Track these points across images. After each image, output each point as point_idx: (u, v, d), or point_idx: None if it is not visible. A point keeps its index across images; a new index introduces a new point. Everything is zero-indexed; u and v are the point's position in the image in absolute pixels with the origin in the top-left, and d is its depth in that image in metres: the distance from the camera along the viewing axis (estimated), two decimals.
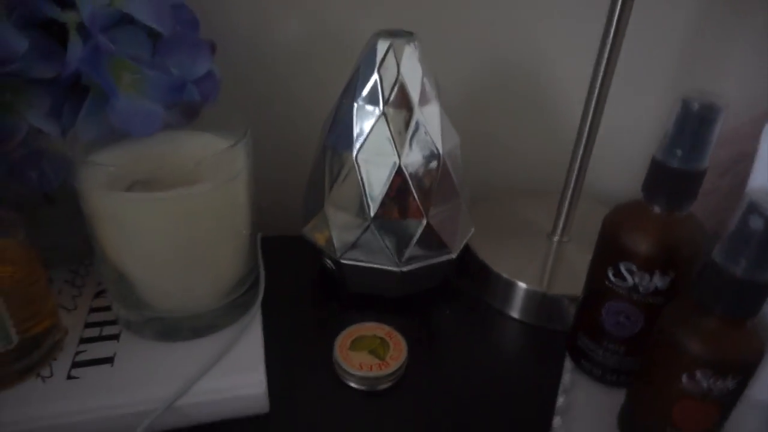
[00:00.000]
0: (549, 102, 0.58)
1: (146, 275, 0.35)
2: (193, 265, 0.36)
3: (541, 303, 0.44)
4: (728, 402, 0.27)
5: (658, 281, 0.31)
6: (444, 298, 0.47)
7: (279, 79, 0.53)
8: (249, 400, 0.35)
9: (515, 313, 0.45)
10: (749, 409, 0.32)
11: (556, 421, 0.33)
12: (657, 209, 0.31)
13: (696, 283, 0.27)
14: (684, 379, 0.27)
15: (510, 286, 0.45)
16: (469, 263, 0.48)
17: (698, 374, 0.27)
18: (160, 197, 0.32)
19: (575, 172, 0.46)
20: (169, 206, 0.33)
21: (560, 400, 0.35)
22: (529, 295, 0.44)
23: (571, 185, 0.46)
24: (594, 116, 0.43)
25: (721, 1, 0.55)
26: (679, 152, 0.29)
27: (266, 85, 0.53)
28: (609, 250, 0.33)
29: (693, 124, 0.28)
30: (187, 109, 0.39)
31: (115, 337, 0.37)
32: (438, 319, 0.45)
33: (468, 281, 0.48)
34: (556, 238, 0.49)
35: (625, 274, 0.32)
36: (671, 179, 0.30)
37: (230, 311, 0.39)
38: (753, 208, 0.24)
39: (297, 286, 0.48)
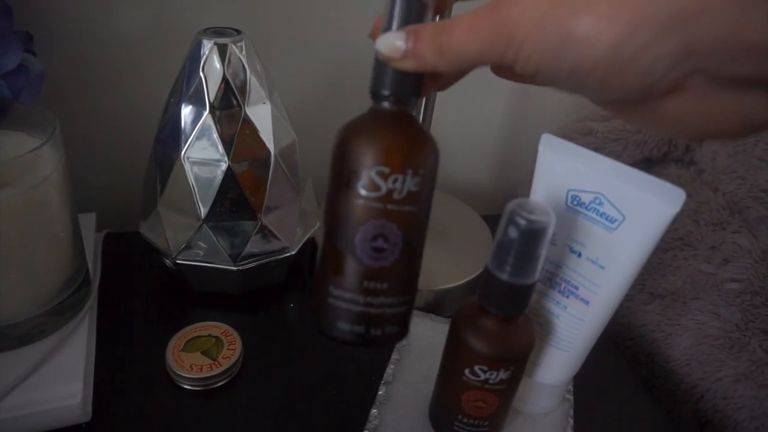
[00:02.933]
0: None
1: None
2: (4, 272, 0.34)
3: None
4: (505, 390, 0.30)
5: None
6: (291, 293, 0.48)
7: (113, 72, 0.51)
8: (65, 411, 0.34)
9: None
10: (538, 390, 0.36)
11: (372, 412, 0.35)
12: (386, 105, 0.25)
13: (479, 288, 0.29)
14: (466, 372, 0.30)
15: None
16: (316, 259, 0.49)
17: (476, 368, 0.29)
18: None
19: None
20: None
21: (380, 392, 0.37)
22: None
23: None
24: (426, 108, 0.45)
25: None
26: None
27: (100, 78, 0.51)
28: (347, 166, 0.24)
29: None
30: None
31: None
32: (281, 315, 0.46)
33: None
34: None
35: (378, 181, 0.28)
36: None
37: (56, 316, 0.38)
38: (511, 219, 0.26)
39: (141, 285, 0.47)
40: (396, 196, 0.22)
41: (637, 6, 0.18)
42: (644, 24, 0.17)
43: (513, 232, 0.26)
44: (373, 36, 0.24)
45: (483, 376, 0.29)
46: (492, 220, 0.48)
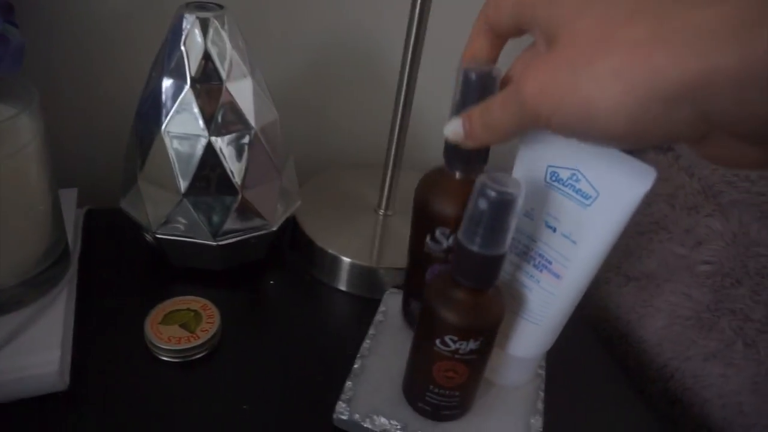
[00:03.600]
0: (371, 75, 0.60)
1: None
2: None
3: (365, 275, 0.47)
4: (475, 360, 0.31)
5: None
6: (271, 269, 0.48)
7: (96, 46, 0.51)
8: (43, 379, 0.34)
9: (341, 285, 0.48)
10: (510, 362, 0.36)
11: (347, 384, 0.36)
12: (458, 174, 0.34)
13: (450, 259, 0.30)
14: (437, 342, 0.30)
15: (335, 261, 0.47)
16: (298, 237, 0.49)
17: (447, 338, 0.30)
18: None
19: (394, 145, 0.48)
20: None
21: (356, 365, 0.37)
22: (353, 268, 0.47)
23: (391, 159, 0.49)
24: (408, 87, 0.45)
25: None
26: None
27: (83, 51, 0.50)
28: (423, 218, 0.36)
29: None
30: None
31: None
32: (261, 291, 0.46)
33: (297, 254, 0.50)
34: (381, 212, 0.52)
35: (440, 238, 0.34)
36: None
37: (34, 287, 0.38)
38: (481, 192, 0.26)
39: (122, 260, 0.47)
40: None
41: (645, 86, 0.19)
42: (653, 99, 0.19)
43: (483, 204, 0.26)
44: (464, 58, 0.30)
45: (453, 346, 0.30)
46: None
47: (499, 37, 0.29)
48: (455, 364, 0.31)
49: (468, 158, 0.33)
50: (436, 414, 0.34)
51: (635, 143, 0.22)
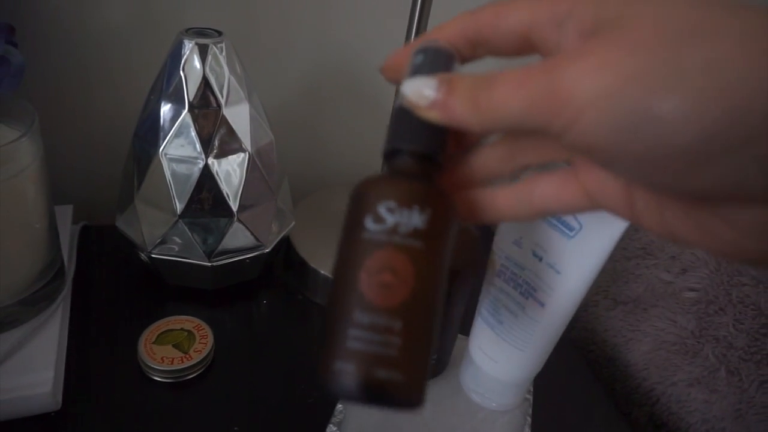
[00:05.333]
0: (364, 97, 0.61)
1: None
2: None
3: None
4: (423, 251, 0.21)
5: (417, 219, 0.32)
6: (264, 290, 0.49)
7: (94, 67, 0.51)
8: (36, 399, 0.35)
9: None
10: (497, 386, 0.37)
11: (338, 407, 0.36)
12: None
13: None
14: (367, 222, 0.21)
15: (328, 281, 0.48)
16: (291, 257, 0.50)
17: (381, 209, 0.21)
18: None
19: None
20: None
21: None
22: None
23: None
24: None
25: None
26: None
27: (81, 72, 0.51)
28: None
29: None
30: None
31: None
32: (254, 311, 0.47)
33: (291, 274, 0.51)
34: None
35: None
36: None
37: (29, 306, 0.38)
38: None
39: (116, 278, 0.47)
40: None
41: (743, 91, 0.14)
42: (747, 114, 0.14)
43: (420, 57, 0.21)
44: (386, 71, 0.22)
45: (390, 221, 0.20)
46: None
47: (475, 50, 0.21)
48: (393, 255, 0.20)
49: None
50: (363, 378, 0.19)
51: (681, 172, 0.16)
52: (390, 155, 0.22)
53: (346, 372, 0.19)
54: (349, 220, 0.21)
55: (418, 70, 0.21)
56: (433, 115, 0.20)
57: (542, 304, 0.33)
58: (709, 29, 0.15)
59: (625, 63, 0.15)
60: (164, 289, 0.46)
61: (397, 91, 0.21)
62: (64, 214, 0.48)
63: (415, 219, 0.20)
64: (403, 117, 0.21)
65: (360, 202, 0.21)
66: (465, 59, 0.22)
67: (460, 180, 0.23)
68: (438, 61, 0.21)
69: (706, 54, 0.14)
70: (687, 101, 0.14)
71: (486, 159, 0.23)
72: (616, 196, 0.20)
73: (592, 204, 0.21)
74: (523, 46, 0.20)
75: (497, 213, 0.23)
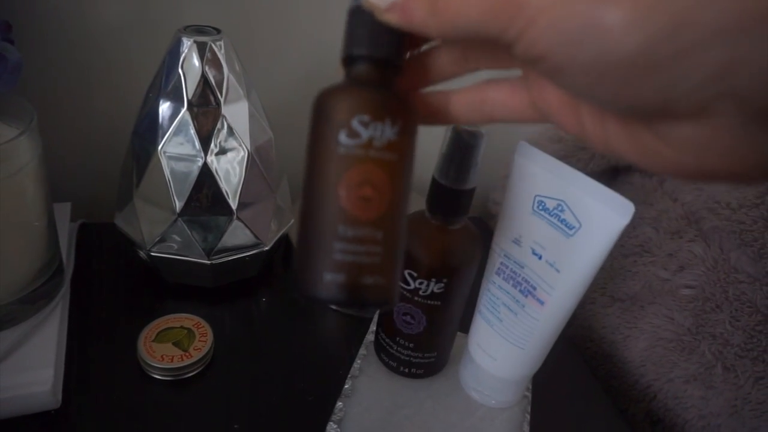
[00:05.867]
0: None
1: None
2: None
3: None
4: (396, 162, 0.21)
5: (434, 287, 0.35)
6: (263, 287, 0.49)
7: (92, 64, 0.51)
8: (35, 397, 0.35)
9: (332, 304, 0.48)
10: (496, 384, 0.37)
11: (338, 405, 0.36)
12: (435, 221, 0.35)
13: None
14: (341, 136, 0.21)
15: None
16: (291, 255, 0.50)
17: (354, 123, 0.21)
18: None
19: None
20: None
21: (346, 385, 0.38)
22: None
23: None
24: None
25: None
26: (451, 173, 0.33)
27: (78, 69, 0.51)
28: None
29: (460, 149, 0.31)
30: None
31: None
32: (253, 308, 0.47)
33: (290, 272, 0.51)
34: None
35: (408, 279, 0.35)
36: (446, 195, 0.33)
37: (28, 304, 0.38)
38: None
39: (115, 275, 0.47)
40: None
41: (684, 4, 0.15)
42: (689, 25, 0.15)
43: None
44: None
45: (365, 135, 0.21)
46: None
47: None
48: (371, 168, 0.21)
49: (450, 209, 0.34)
50: (352, 286, 0.20)
51: (622, 83, 0.16)
52: (350, 61, 0.22)
53: (337, 282, 0.20)
54: (318, 132, 0.21)
55: None
56: (393, 18, 0.20)
57: (541, 302, 0.33)
58: None
59: None
60: (163, 287, 0.46)
61: None
62: (63, 212, 0.48)
63: (388, 132, 0.21)
64: (361, 20, 0.21)
65: (329, 114, 0.21)
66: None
67: (416, 81, 0.24)
68: None
69: None
70: (630, 11, 0.15)
71: (440, 61, 0.24)
72: (562, 109, 0.20)
73: (540, 115, 0.22)
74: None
75: (451, 115, 0.24)
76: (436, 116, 0.24)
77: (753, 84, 0.15)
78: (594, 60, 0.16)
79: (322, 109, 0.21)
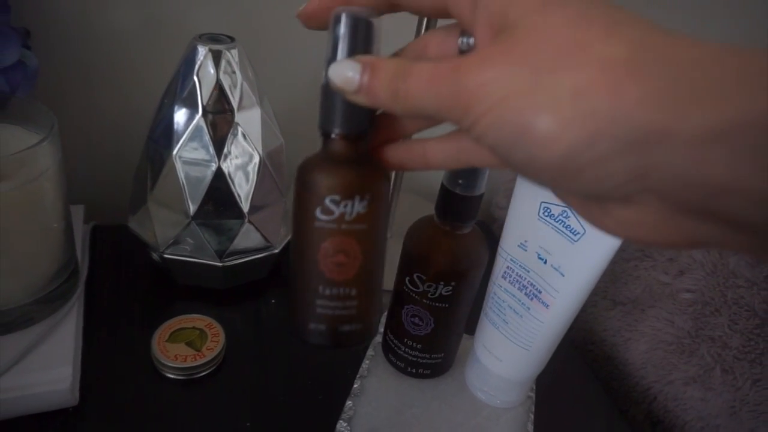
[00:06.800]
0: None
1: None
2: None
3: None
4: (365, 231, 0.25)
5: (443, 290, 0.36)
6: (273, 289, 0.50)
7: (105, 69, 0.52)
8: (55, 395, 0.36)
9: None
10: (501, 384, 0.38)
11: (348, 404, 0.37)
12: (444, 226, 0.36)
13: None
14: (317, 213, 0.24)
15: None
16: None
17: (327, 202, 0.24)
18: None
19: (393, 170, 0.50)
20: None
21: (355, 385, 0.39)
22: None
23: (391, 183, 0.50)
24: None
25: None
26: (460, 181, 0.34)
27: (95, 74, 0.52)
28: (407, 260, 0.37)
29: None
30: None
31: None
32: (262, 310, 0.48)
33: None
34: None
35: (417, 281, 0.36)
36: (455, 202, 0.34)
37: (45, 304, 0.39)
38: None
39: (127, 277, 0.48)
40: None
41: (602, 117, 0.16)
42: (606, 136, 0.17)
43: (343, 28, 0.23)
44: (301, 16, 0.24)
45: (337, 212, 0.24)
46: None
47: (394, 8, 0.23)
48: (343, 240, 0.24)
49: (458, 215, 0.35)
50: (332, 333, 0.25)
51: (555, 180, 0.19)
52: (324, 134, 0.25)
53: (319, 330, 0.25)
54: (300, 202, 0.25)
55: (339, 43, 0.22)
56: (360, 99, 0.22)
57: (546, 305, 0.34)
58: (581, 55, 0.17)
59: (512, 79, 0.18)
60: (174, 288, 0.47)
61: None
62: (76, 214, 0.49)
63: (357, 206, 0.24)
64: (332, 98, 0.23)
65: (308, 189, 0.24)
66: (383, 13, 0.23)
67: (388, 135, 0.26)
68: (359, 34, 0.22)
69: (574, 81, 0.17)
70: (554, 123, 0.17)
71: (411, 120, 0.25)
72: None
73: (502, 165, 0.23)
74: (441, 13, 0.22)
75: (429, 164, 0.25)
76: (413, 165, 0.26)
77: (668, 185, 0.17)
78: (528, 160, 0.18)
79: (302, 182, 0.25)
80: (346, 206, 0.24)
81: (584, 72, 0.17)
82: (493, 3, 0.19)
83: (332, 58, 0.23)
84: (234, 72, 0.40)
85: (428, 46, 0.24)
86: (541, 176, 0.19)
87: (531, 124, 0.17)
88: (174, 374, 0.40)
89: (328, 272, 0.25)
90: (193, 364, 0.40)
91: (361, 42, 0.22)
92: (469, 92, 0.19)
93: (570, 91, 0.17)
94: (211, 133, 0.40)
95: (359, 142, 0.25)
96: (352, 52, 0.22)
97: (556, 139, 0.17)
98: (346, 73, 0.22)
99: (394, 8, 0.23)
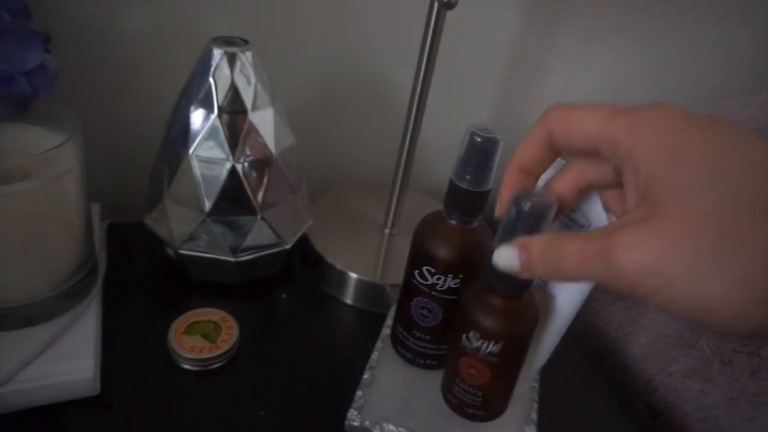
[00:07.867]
0: (379, 103, 0.64)
1: None
2: (22, 257, 0.37)
3: (371, 290, 0.50)
4: (496, 363, 0.34)
5: (451, 282, 0.37)
6: (283, 284, 0.51)
7: (121, 71, 0.54)
8: (78, 384, 0.37)
9: (348, 300, 0.51)
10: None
11: (358, 393, 0.39)
12: (453, 221, 0.37)
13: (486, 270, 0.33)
14: (463, 338, 0.34)
15: (342, 276, 0.50)
16: (308, 253, 0.53)
17: (470, 335, 0.34)
18: None
19: (401, 168, 0.51)
20: None
21: (365, 376, 0.40)
22: (360, 283, 0.50)
23: (398, 181, 0.52)
24: (416, 118, 0.48)
25: (545, 8, 0.63)
26: (467, 176, 0.35)
27: (111, 76, 0.54)
28: (416, 254, 0.39)
29: (477, 153, 0.34)
30: (17, 101, 0.39)
31: None
32: (275, 304, 0.49)
33: (307, 269, 0.53)
34: (387, 231, 0.55)
35: (426, 274, 0.38)
36: (463, 197, 0.35)
37: (66, 298, 0.41)
38: (517, 202, 0.29)
39: (143, 272, 0.50)
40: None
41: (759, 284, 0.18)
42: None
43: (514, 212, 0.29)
44: (500, 212, 0.30)
45: (476, 344, 0.34)
46: None
47: (558, 153, 0.28)
48: (477, 362, 0.34)
49: (466, 209, 0.37)
50: (460, 409, 0.37)
51: (752, 338, 0.22)
52: (490, 283, 0.33)
53: (452, 403, 0.38)
54: (458, 325, 0.35)
55: (508, 229, 0.29)
56: (524, 276, 0.26)
57: (553, 297, 0.35)
58: (739, 241, 0.19)
59: (674, 263, 0.19)
60: (188, 283, 0.49)
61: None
62: (94, 212, 0.50)
63: (491, 347, 0.33)
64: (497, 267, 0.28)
65: (464, 316, 0.35)
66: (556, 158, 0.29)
67: None
68: (528, 219, 0.28)
69: (741, 272, 0.18)
70: (730, 313, 0.19)
71: None
72: None
73: None
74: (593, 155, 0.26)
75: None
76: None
77: None
78: (717, 329, 0.20)
79: (463, 303, 0.35)
80: (483, 343, 0.33)
81: (744, 262, 0.18)
82: (646, 176, 0.21)
83: (502, 237, 0.29)
84: (248, 73, 0.41)
85: (585, 172, 0.29)
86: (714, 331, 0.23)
87: (708, 310, 0.19)
88: (190, 365, 0.41)
89: (463, 375, 0.36)
90: (209, 356, 0.41)
91: (534, 223, 0.28)
92: (627, 279, 0.21)
93: (737, 282, 0.18)
94: (227, 132, 0.42)
95: (514, 298, 0.33)
96: (522, 233, 0.28)
97: (736, 321, 0.19)
98: (508, 261, 0.26)
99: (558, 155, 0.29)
